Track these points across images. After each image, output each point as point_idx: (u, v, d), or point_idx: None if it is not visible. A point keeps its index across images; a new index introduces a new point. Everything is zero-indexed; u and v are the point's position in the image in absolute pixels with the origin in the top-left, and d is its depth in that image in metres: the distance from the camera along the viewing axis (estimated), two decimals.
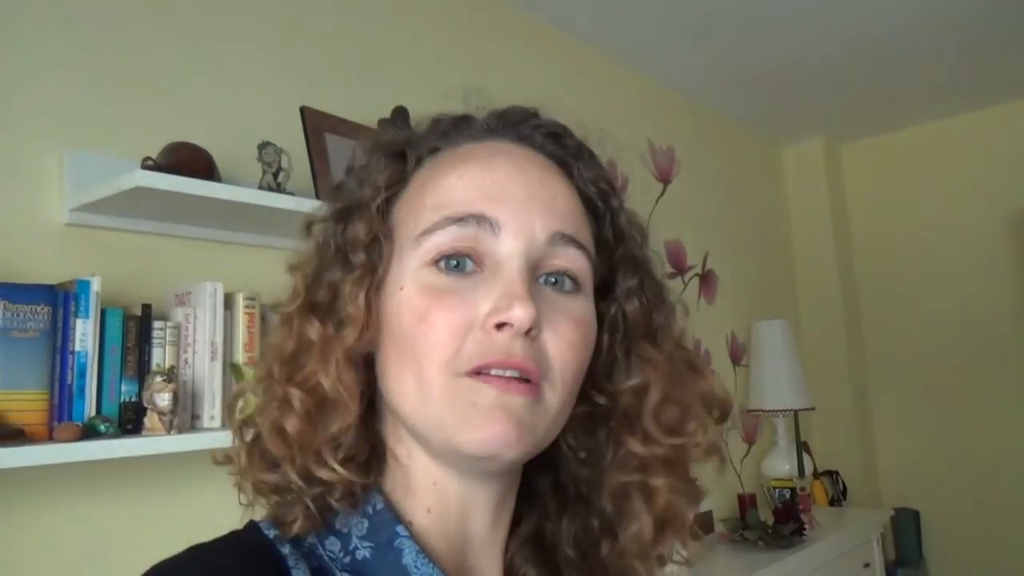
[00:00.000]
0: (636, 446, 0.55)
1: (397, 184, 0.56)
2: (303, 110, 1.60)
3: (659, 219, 2.91)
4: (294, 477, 0.51)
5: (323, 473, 0.51)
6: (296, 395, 0.52)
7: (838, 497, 3.40)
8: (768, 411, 3.13)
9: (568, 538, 0.59)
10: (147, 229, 1.46)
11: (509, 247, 0.51)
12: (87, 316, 1.25)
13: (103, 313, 1.28)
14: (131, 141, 1.44)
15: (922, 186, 3.67)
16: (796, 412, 3.12)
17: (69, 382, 1.23)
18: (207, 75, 1.60)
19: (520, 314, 0.48)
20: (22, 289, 1.20)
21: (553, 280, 0.53)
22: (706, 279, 3.15)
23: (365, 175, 0.57)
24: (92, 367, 1.25)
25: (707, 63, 2.93)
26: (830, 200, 3.76)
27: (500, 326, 0.49)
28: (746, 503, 2.83)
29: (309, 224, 0.58)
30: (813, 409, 3.17)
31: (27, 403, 1.18)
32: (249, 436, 0.55)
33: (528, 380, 0.50)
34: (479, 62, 2.27)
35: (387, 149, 0.58)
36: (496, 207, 0.52)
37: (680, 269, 3.00)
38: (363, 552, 0.51)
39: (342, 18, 1.91)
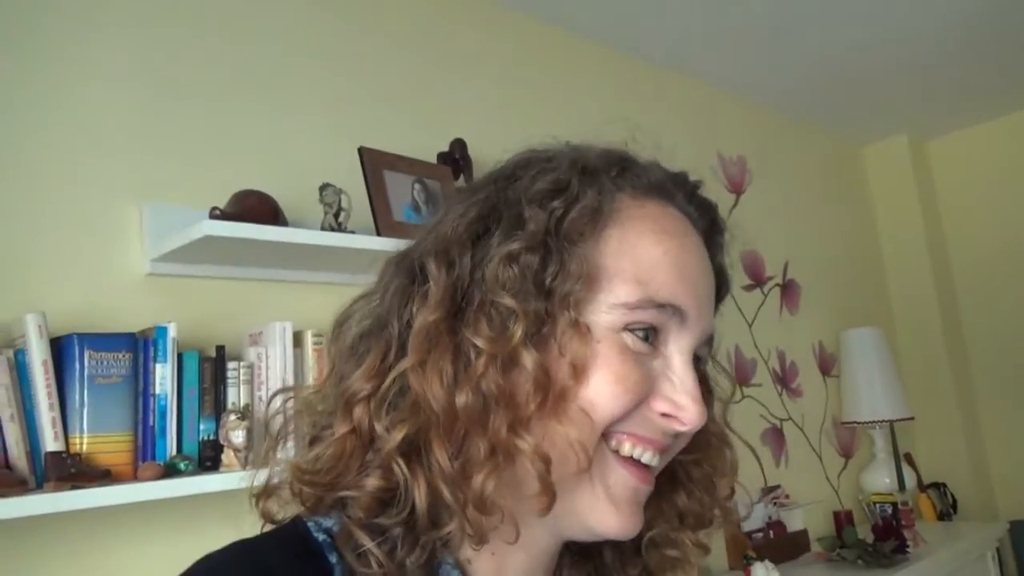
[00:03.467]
0: (682, 503, 0.61)
1: (593, 223, 0.53)
2: (361, 151, 1.66)
3: (733, 230, 2.84)
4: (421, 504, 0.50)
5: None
6: (528, 444, 0.49)
7: (947, 511, 3.21)
8: (863, 423, 3.00)
9: (617, 565, 0.63)
10: (219, 274, 1.54)
11: (688, 342, 0.54)
12: (165, 360, 1.33)
13: (180, 357, 1.35)
14: (204, 192, 1.52)
15: (1021, 179, 3.47)
16: (892, 423, 2.97)
17: (151, 424, 1.31)
18: (269, 124, 1.68)
19: (698, 420, 0.52)
20: (105, 338, 1.28)
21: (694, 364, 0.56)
22: (787, 289, 3.06)
23: (561, 203, 0.53)
24: (172, 408, 1.33)
25: (772, 66, 2.86)
26: (919, 199, 3.59)
27: (665, 415, 0.53)
28: (843, 520, 2.71)
29: (509, 256, 0.52)
30: (912, 419, 3.02)
31: (113, 445, 1.26)
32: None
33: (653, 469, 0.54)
34: (536, 89, 2.29)
35: (584, 179, 0.55)
36: (690, 300, 0.53)
37: (758, 280, 2.93)
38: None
39: (396, 56, 1.97)
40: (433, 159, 1.89)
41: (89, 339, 1.26)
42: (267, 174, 1.61)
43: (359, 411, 0.51)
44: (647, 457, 0.53)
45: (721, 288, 0.60)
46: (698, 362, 0.56)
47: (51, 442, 1.19)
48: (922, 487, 3.18)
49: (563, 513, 0.52)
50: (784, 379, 2.93)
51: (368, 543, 0.49)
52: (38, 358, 1.20)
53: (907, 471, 3.00)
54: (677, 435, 0.54)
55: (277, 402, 0.58)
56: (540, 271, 0.51)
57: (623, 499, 0.52)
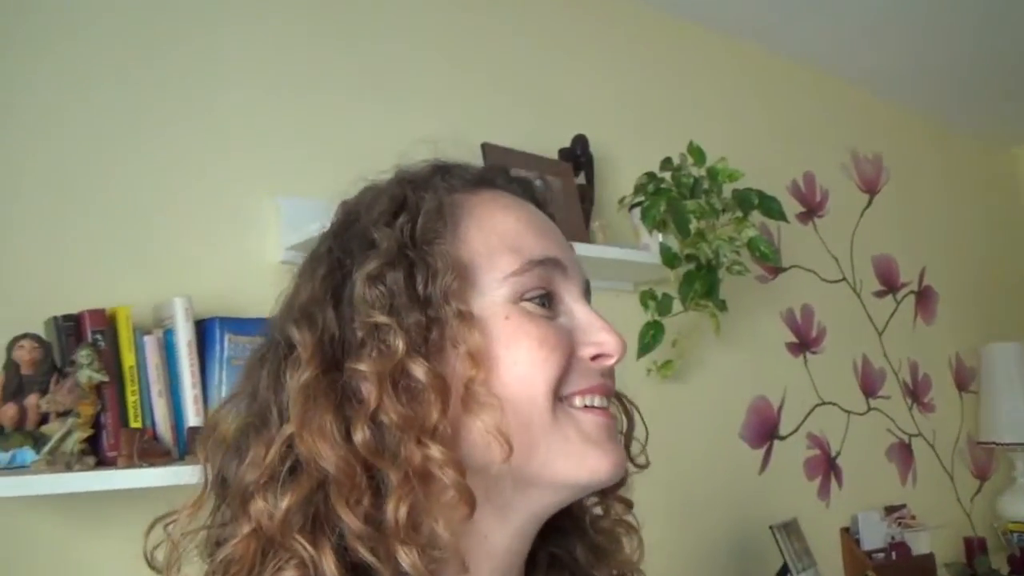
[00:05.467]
0: None
1: (444, 226, 0.56)
2: (484, 147, 1.68)
3: (865, 233, 2.72)
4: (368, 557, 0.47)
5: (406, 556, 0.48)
6: (439, 453, 0.49)
7: None
8: (1003, 444, 2.80)
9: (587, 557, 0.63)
10: None
11: (576, 287, 0.58)
12: None
13: None
14: (335, 186, 1.59)
15: None
16: None
17: None
18: (394, 120, 1.73)
19: (621, 346, 0.56)
20: (243, 322, 1.36)
21: None
22: (923, 297, 2.89)
23: (405, 218, 0.55)
24: None
25: (913, 62, 2.69)
26: None
27: (595, 358, 0.56)
28: (975, 547, 2.55)
29: (371, 276, 0.52)
30: None
31: None
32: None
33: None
34: (663, 86, 2.25)
35: (419, 189, 0.58)
36: (561, 252, 0.58)
37: (891, 286, 2.78)
38: None
39: (519, 51, 1.98)
40: (555, 155, 1.90)
41: (228, 323, 1.34)
42: (392, 167, 1.66)
43: (258, 504, 0.48)
44: (599, 401, 0.56)
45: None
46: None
47: (193, 417, 1.28)
48: None
49: (545, 481, 0.53)
50: (915, 392, 2.77)
51: None
52: (184, 339, 1.29)
53: None
54: (608, 369, 0.57)
55: (157, 532, 0.54)
56: (409, 283, 0.52)
57: (601, 437, 0.54)
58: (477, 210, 0.57)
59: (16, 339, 1.18)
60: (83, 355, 1.18)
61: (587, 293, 0.60)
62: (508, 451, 0.50)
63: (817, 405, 2.43)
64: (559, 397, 0.53)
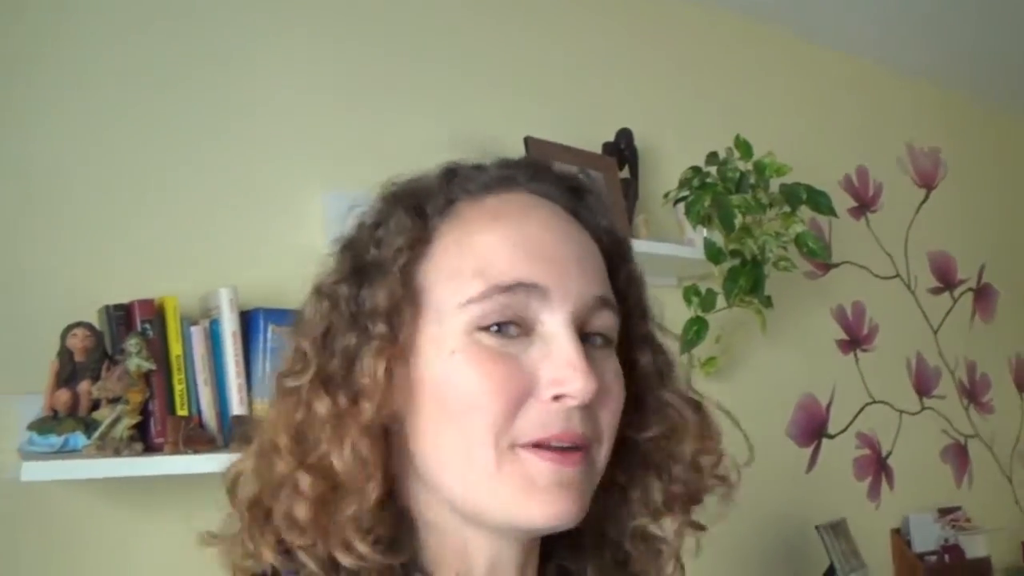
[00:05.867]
0: (657, 487, 0.57)
1: (419, 243, 0.53)
2: (527, 140, 1.68)
3: (921, 228, 2.64)
4: (313, 567, 0.49)
5: (350, 560, 0.48)
6: (306, 480, 0.48)
7: None
8: None
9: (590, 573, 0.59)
10: None
11: (561, 314, 0.51)
12: None
13: None
14: (379, 179, 1.60)
15: None
16: None
17: None
18: (438, 113, 1.74)
19: (584, 388, 0.48)
20: (286, 313, 1.38)
21: (588, 340, 0.52)
22: (981, 294, 2.79)
23: (382, 232, 0.53)
24: None
25: (973, 51, 2.60)
26: None
27: (558, 397, 0.49)
28: None
29: (317, 287, 0.54)
30: None
31: None
32: (255, 516, 0.52)
33: (580, 447, 0.50)
34: (709, 78, 2.22)
35: (405, 202, 0.55)
36: (540, 272, 0.51)
37: (948, 283, 2.69)
38: None
39: (564, 46, 1.97)
40: (598, 150, 1.88)
41: (272, 314, 1.37)
42: (436, 162, 1.67)
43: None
44: (556, 442, 0.49)
45: (613, 246, 0.58)
46: (596, 338, 0.53)
47: (237, 406, 1.30)
48: None
49: (487, 519, 0.51)
50: (972, 392, 2.68)
51: None
52: (229, 329, 1.32)
53: None
54: (577, 411, 0.50)
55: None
56: (351, 302, 0.52)
57: (545, 485, 0.49)
58: (465, 226, 0.53)
59: (70, 327, 1.22)
60: (132, 344, 1.21)
61: (602, 309, 0.53)
62: (441, 491, 0.52)
63: (868, 404, 2.37)
64: (511, 444, 0.49)
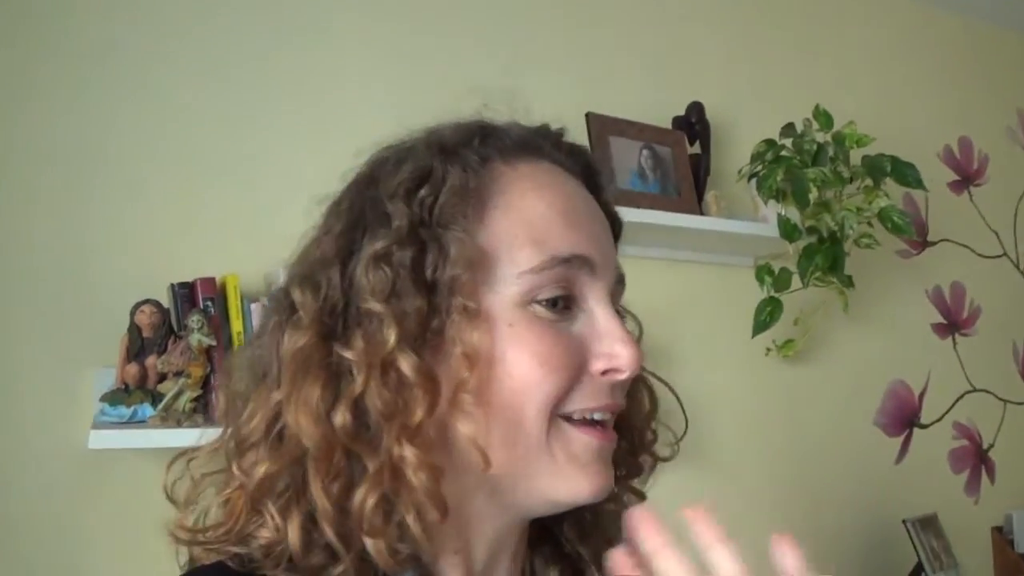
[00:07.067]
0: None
1: (476, 204, 0.51)
2: (588, 116, 1.64)
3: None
4: (337, 546, 0.47)
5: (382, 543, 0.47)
6: (413, 456, 0.47)
7: None
8: None
9: (573, 534, 0.59)
10: None
11: (603, 289, 0.52)
12: None
13: None
14: None
15: None
16: None
17: None
18: (502, 87, 1.72)
19: (635, 361, 0.50)
20: None
21: None
22: None
23: (427, 191, 0.50)
24: None
25: None
26: None
27: (607, 371, 0.51)
28: None
29: (376, 257, 0.49)
30: None
31: None
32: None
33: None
34: (788, 44, 2.11)
35: (448, 157, 0.52)
36: (589, 246, 0.52)
37: None
38: None
39: (628, 17, 1.91)
40: (668, 124, 1.82)
41: None
42: (428, 128, 1.65)
43: (245, 461, 0.48)
44: (599, 415, 0.51)
45: (614, 227, 0.58)
46: (620, 295, 0.56)
47: None
48: None
49: (523, 496, 0.50)
50: None
51: None
52: None
53: None
54: (619, 385, 0.52)
55: (178, 467, 0.53)
56: (417, 265, 0.48)
57: (588, 460, 0.50)
58: (509, 189, 0.52)
59: (138, 304, 1.28)
60: (194, 320, 1.26)
61: (620, 286, 0.55)
62: (485, 466, 0.48)
63: (967, 392, 2.22)
64: (557, 414, 0.50)
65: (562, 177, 0.54)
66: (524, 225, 0.50)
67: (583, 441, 0.50)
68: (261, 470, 0.47)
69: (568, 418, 0.50)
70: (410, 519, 0.47)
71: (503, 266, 0.50)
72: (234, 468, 0.49)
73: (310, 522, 0.47)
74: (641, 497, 0.60)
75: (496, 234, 0.50)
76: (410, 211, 0.49)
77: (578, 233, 0.51)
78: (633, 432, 0.58)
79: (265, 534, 0.47)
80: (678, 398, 0.61)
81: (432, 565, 0.51)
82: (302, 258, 0.54)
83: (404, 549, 0.47)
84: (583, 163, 0.58)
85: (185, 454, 0.54)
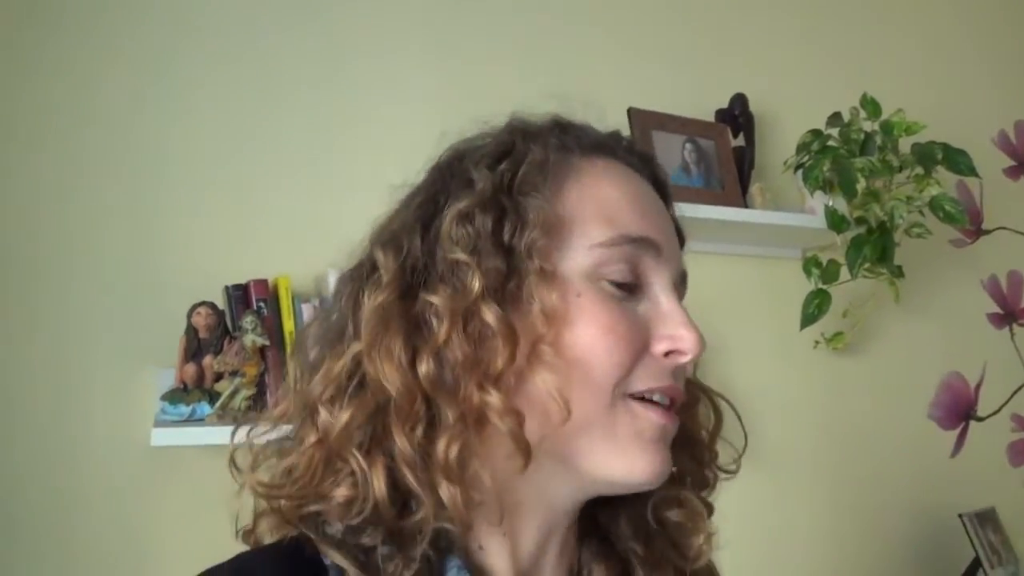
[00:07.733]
0: (682, 462, 0.58)
1: (554, 178, 0.53)
2: (630, 111, 1.64)
3: None
4: (428, 509, 0.48)
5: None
6: (498, 400, 0.48)
7: None
8: None
9: (629, 532, 0.58)
10: None
11: (668, 276, 0.54)
12: None
13: None
14: None
15: None
16: None
17: None
18: (543, 81, 1.72)
19: (698, 346, 0.52)
20: None
21: None
22: None
23: (507, 165, 0.53)
24: None
25: None
26: None
27: (669, 353, 0.52)
28: None
29: (461, 214, 0.51)
30: None
31: None
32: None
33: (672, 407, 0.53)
34: (834, 29, 2.07)
35: (531, 138, 0.55)
36: (660, 234, 0.54)
37: None
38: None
39: (668, 10, 1.89)
40: (711, 118, 1.81)
41: None
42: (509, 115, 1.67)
43: (323, 415, 0.50)
44: (659, 397, 0.52)
45: (679, 239, 0.60)
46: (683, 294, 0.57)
47: None
48: None
49: (580, 467, 0.51)
50: None
51: (342, 561, 0.47)
52: None
53: None
54: (680, 370, 0.53)
55: (241, 435, 0.56)
56: (497, 229, 0.51)
57: (650, 439, 0.51)
58: (584, 174, 0.55)
59: (194, 306, 1.33)
60: (248, 321, 1.31)
61: (682, 284, 0.57)
62: (566, 415, 0.48)
63: None
64: (622, 392, 0.51)
65: (635, 177, 0.57)
66: (597, 203, 0.53)
67: (648, 418, 0.51)
68: (344, 417, 0.49)
69: (632, 397, 0.51)
70: (486, 468, 0.49)
71: (576, 237, 0.52)
72: (311, 424, 0.51)
73: (391, 470, 0.49)
74: (709, 509, 0.60)
75: (570, 207, 0.53)
76: (493, 177, 0.52)
77: (647, 220, 0.54)
78: (699, 446, 0.60)
79: (343, 492, 0.49)
80: (737, 413, 0.62)
81: (478, 547, 0.52)
82: (378, 230, 0.57)
83: (477, 497, 0.49)
84: (652, 172, 0.60)
85: (249, 421, 0.56)
